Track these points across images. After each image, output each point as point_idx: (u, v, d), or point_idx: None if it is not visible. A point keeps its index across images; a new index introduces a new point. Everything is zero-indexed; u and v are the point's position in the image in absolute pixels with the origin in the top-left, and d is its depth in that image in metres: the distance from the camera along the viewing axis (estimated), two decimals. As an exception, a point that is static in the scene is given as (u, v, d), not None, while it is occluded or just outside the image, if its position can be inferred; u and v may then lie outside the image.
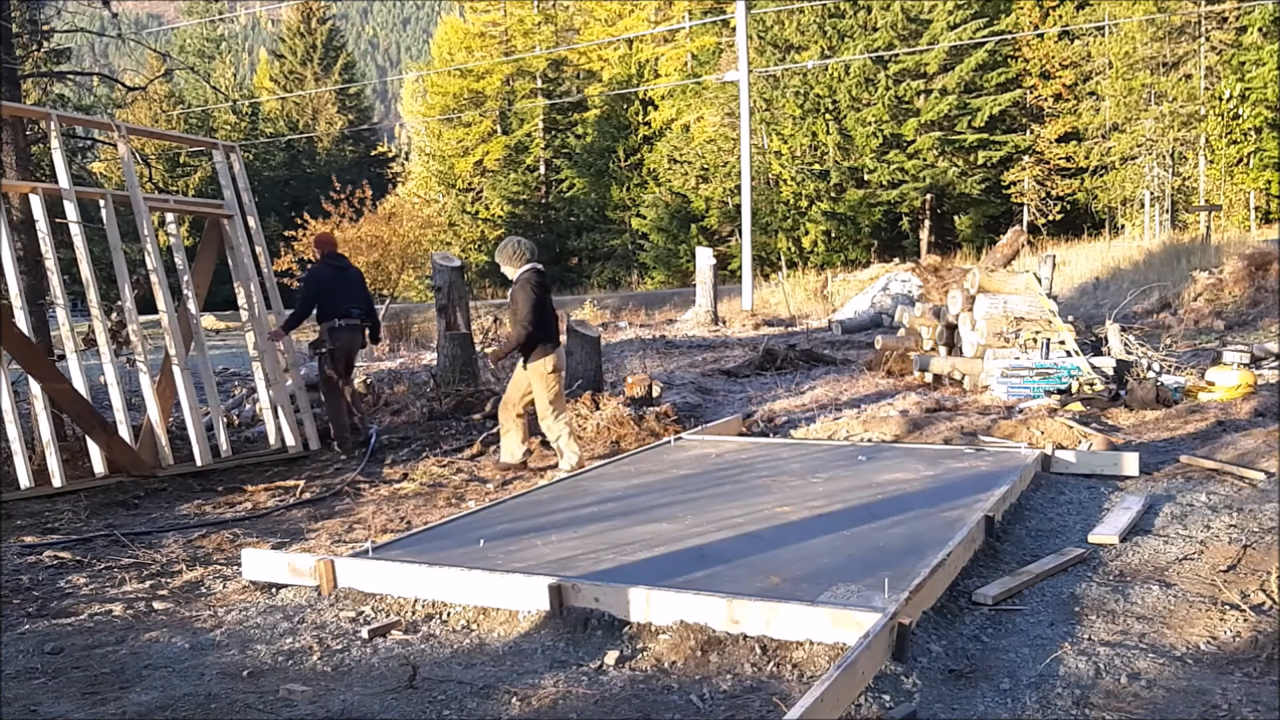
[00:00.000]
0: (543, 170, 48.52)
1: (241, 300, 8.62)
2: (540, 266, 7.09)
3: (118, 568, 5.12)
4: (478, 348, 7.72)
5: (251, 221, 8.38)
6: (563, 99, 48.35)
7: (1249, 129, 30.61)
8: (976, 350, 10.26)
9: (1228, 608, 3.83)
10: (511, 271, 7.07)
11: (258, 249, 8.40)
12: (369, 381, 10.45)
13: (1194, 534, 4.84)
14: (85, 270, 7.31)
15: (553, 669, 3.49)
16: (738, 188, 30.81)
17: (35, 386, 7.65)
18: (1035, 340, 9.75)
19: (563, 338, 7.53)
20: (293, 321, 8.23)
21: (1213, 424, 7.45)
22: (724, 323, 20.23)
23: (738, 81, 26.08)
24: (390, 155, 56.77)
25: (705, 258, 21.06)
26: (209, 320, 12.78)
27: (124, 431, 7.32)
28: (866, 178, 37.33)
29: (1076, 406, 8.54)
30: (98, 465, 7.12)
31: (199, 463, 7.41)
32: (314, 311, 8.15)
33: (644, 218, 41.94)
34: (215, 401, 8.23)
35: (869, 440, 7.75)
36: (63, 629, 4.17)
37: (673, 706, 3.16)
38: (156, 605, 4.45)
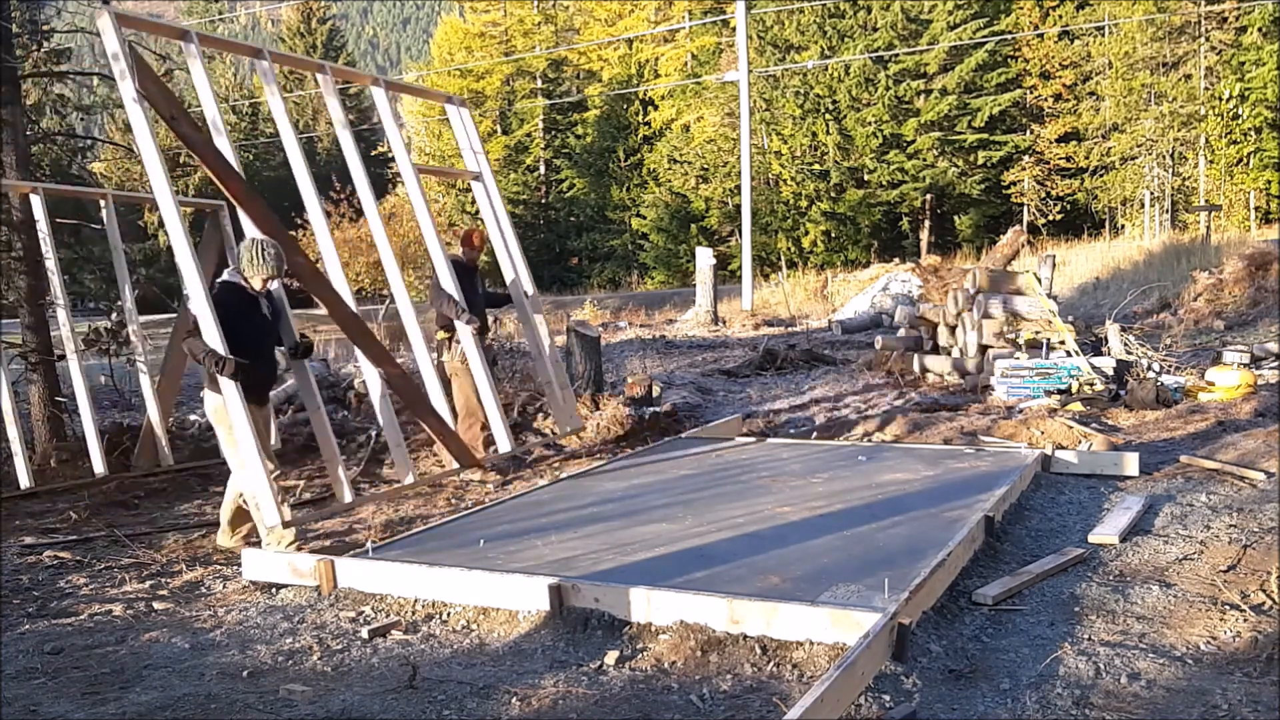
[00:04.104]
0: (543, 170, 48.51)
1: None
2: (239, 283, 5.23)
3: (118, 568, 5.12)
4: None
5: (488, 183, 7.67)
6: (563, 99, 48.34)
7: (1249, 129, 30.62)
8: (976, 350, 10.26)
9: (1228, 608, 3.83)
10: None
11: (498, 211, 7.69)
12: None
13: (1194, 534, 4.84)
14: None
15: (553, 669, 3.49)
16: (738, 188, 30.82)
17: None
18: (1035, 340, 9.75)
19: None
20: None
21: (1213, 424, 7.44)
22: (724, 323, 20.23)
23: (738, 81, 26.08)
24: (390, 155, 56.76)
25: (705, 258, 21.06)
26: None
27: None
28: (866, 178, 37.34)
29: (1076, 406, 8.53)
30: (98, 465, 7.11)
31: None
32: None
33: (644, 218, 41.94)
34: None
35: (869, 440, 7.74)
36: (63, 629, 4.17)
37: (673, 706, 3.16)
38: (156, 605, 4.45)
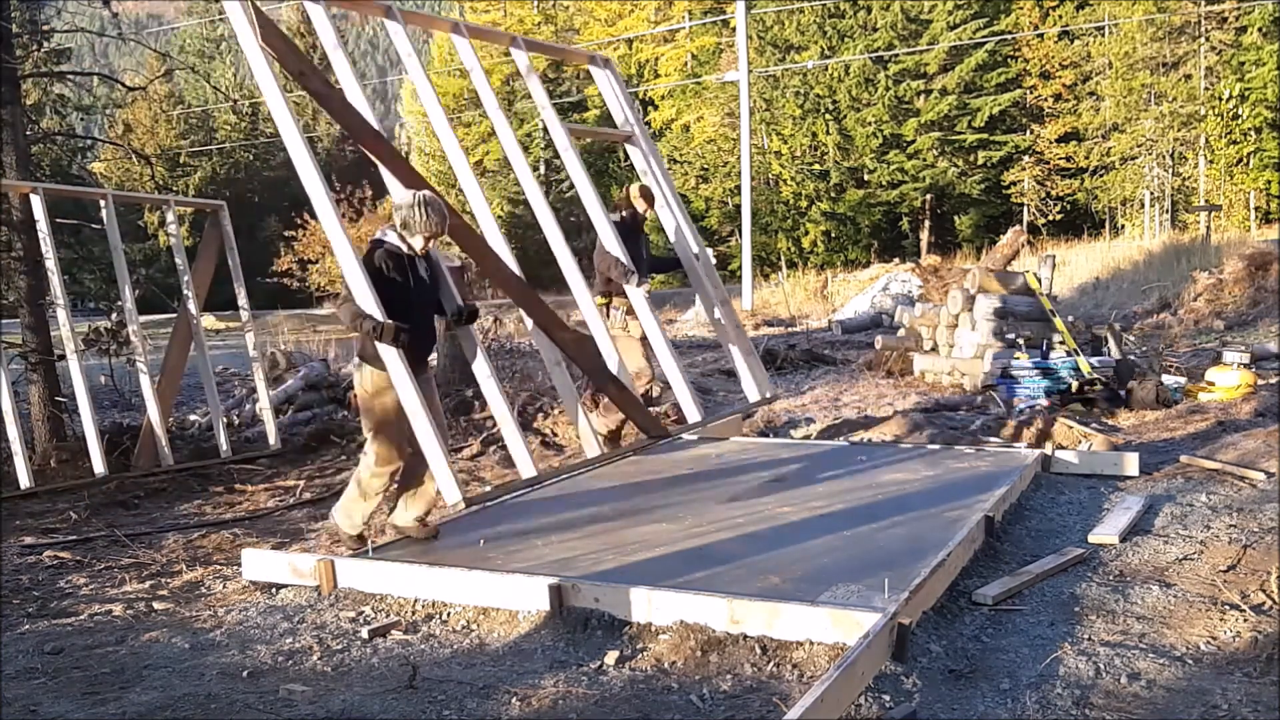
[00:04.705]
0: (543, 170, 48.46)
1: (242, 300, 8.62)
2: (388, 244, 4.72)
3: (118, 568, 5.12)
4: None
5: (644, 144, 7.44)
6: (563, 99, 48.33)
7: (1249, 129, 30.66)
8: (976, 350, 10.26)
9: (1228, 608, 3.83)
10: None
11: (656, 172, 7.40)
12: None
13: (1194, 534, 4.83)
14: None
15: (553, 669, 3.49)
16: (738, 188, 30.84)
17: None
18: (1034, 340, 9.74)
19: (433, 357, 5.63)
20: None
21: (1213, 424, 7.43)
22: (724, 323, 20.22)
23: (738, 81, 26.10)
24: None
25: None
26: (209, 320, 12.74)
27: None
28: (866, 178, 37.38)
29: (1076, 407, 8.53)
30: (98, 465, 7.11)
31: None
32: None
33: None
34: (215, 401, 8.23)
35: (869, 440, 7.74)
36: (63, 629, 4.17)
37: (673, 707, 3.16)
38: (156, 605, 4.45)
